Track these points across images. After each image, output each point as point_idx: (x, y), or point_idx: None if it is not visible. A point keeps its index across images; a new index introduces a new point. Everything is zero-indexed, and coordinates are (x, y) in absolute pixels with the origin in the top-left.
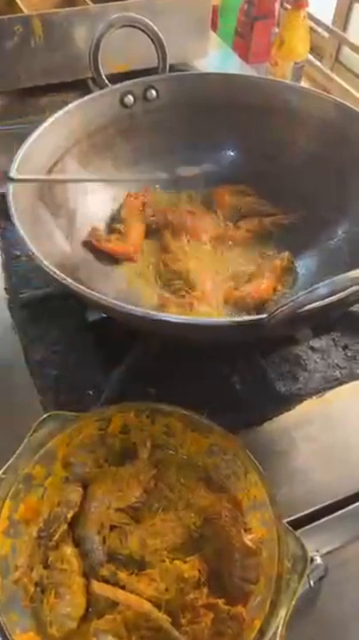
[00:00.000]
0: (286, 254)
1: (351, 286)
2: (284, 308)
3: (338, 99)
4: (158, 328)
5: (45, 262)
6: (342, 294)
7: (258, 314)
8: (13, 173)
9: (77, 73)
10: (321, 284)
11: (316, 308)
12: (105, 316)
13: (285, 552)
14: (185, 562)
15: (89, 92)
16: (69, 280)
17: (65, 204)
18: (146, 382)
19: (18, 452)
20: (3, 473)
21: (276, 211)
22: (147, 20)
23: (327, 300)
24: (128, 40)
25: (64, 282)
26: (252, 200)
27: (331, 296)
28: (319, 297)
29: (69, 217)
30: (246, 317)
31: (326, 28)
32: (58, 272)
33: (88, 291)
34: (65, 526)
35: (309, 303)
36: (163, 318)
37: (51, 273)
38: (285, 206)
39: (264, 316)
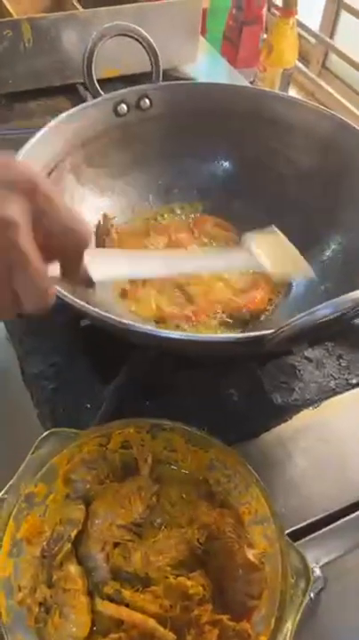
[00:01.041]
0: None
1: (352, 307)
2: (286, 328)
3: (331, 110)
4: (161, 344)
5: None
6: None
7: (253, 324)
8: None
9: (66, 78)
10: (322, 305)
11: (317, 326)
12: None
13: (288, 567)
14: (188, 578)
15: (78, 96)
16: (86, 305)
17: None
18: (142, 395)
19: (19, 471)
20: (5, 493)
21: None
22: (140, 30)
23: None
24: (119, 46)
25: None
26: (229, 236)
27: (331, 316)
28: (320, 318)
29: None
30: (249, 334)
31: (313, 34)
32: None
33: (94, 309)
34: (69, 545)
35: (311, 324)
36: (167, 336)
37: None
38: (278, 216)
39: (266, 332)
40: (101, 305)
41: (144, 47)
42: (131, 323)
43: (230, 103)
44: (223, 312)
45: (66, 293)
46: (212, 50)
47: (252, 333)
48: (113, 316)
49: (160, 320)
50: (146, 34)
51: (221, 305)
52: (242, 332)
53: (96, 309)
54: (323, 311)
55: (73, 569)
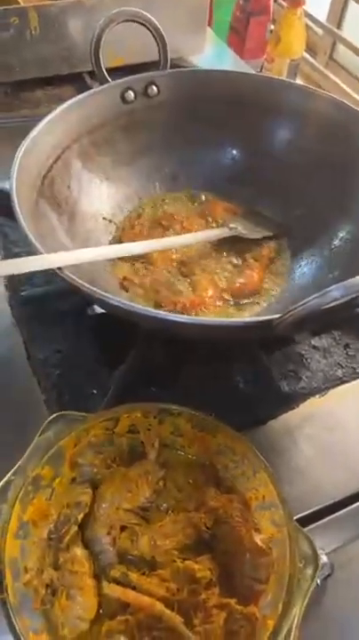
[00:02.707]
0: (272, 245)
1: None
2: (296, 311)
3: (339, 98)
4: (169, 328)
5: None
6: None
7: (258, 304)
8: None
9: (73, 66)
10: (333, 287)
11: (326, 311)
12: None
13: (296, 552)
14: (196, 562)
15: (85, 85)
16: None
17: (66, 200)
18: (148, 381)
19: (27, 453)
20: (13, 475)
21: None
22: (149, 16)
23: (337, 303)
24: (125, 34)
25: (77, 284)
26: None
27: (342, 299)
28: (331, 300)
29: (70, 213)
30: (257, 318)
31: (321, 25)
32: (72, 276)
33: (99, 291)
34: (75, 528)
35: (320, 306)
36: (175, 319)
37: (67, 278)
38: (285, 204)
39: (275, 316)
40: (106, 290)
41: (152, 33)
42: (140, 306)
43: (239, 91)
44: (224, 291)
45: (74, 278)
46: (219, 40)
47: (261, 317)
48: (122, 300)
49: (162, 306)
50: (154, 20)
51: (222, 288)
52: (248, 317)
53: (105, 293)
54: (334, 293)
55: (79, 552)
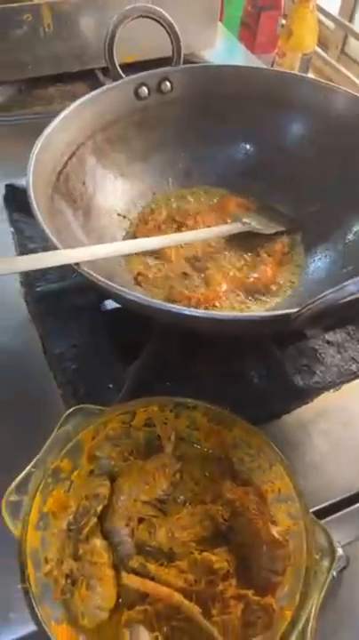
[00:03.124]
0: (285, 240)
1: None
2: (313, 305)
3: (352, 92)
4: (185, 323)
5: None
6: None
7: (269, 298)
8: None
9: (85, 63)
10: (350, 281)
11: (342, 305)
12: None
13: (313, 544)
14: (213, 553)
15: (97, 82)
16: (113, 284)
17: (81, 196)
18: (163, 376)
19: (46, 445)
20: (33, 467)
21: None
22: (162, 12)
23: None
24: (137, 30)
25: (101, 284)
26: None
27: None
28: (348, 294)
29: (85, 209)
30: (274, 312)
31: (332, 18)
32: (89, 271)
33: (118, 287)
34: (94, 519)
35: (337, 301)
36: (192, 314)
37: (84, 273)
38: (299, 200)
39: (293, 310)
40: (120, 285)
41: (166, 29)
42: (155, 300)
43: (252, 86)
44: (238, 287)
45: (92, 273)
46: (230, 35)
47: (279, 311)
48: (138, 294)
49: (176, 301)
50: (168, 16)
51: (236, 283)
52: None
53: (121, 288)
54: (351, 287)
55: (98, 543)
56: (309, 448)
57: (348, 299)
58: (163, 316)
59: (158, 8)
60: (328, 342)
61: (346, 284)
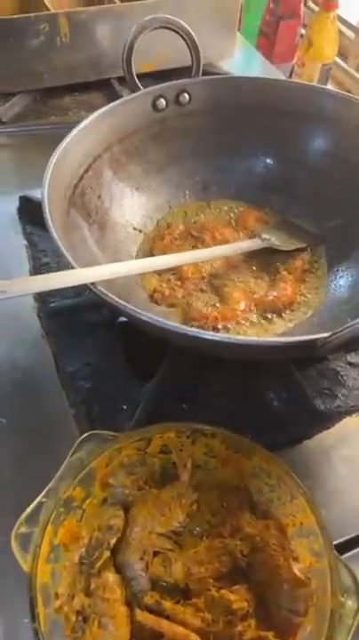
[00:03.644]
0: (305, 256)
1: None
2: (341, 334)
3: None
4: (203, 346)
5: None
6: None
7: (289, 319)
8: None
9: (101, 73)
10: None
11: None
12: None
13: (337, 584)
14: (231, 591)
15: (113, 92)
16: (128, 305)
17: (97, 210)
18: (179, 397)
19: (58, 474)
20: (44, 497)
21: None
22: (182, 22)
23: None
24: (156, 40)
25: (120, 306)
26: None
27: None
28: None
29: (100, 223)
30: (300, 338)
31: (353, 28)
32: (105, 291)
33: (135, 309)
34: (108, 553)
35: None
36: (211, 338)
37: (100, 294)
38: (319, 216)
39: (319, 336)
40: (136, 304)
41: (185, 40)
42: (172, 323)
43: (273, 98)
44: (257, 306)
45: (107, 293)
46: (248, 45)
47: (304, 337)
48: (153, 316)
49: (192, 320)
50: (187, 27)
51: (255, 301)
52: (283, 333)
53: (136, 309)
54: None
55: (111, 577)
56: (330, 475)
57: None
58: (179, 339)
59: (177, 19)
60: (350, 364)
61: None
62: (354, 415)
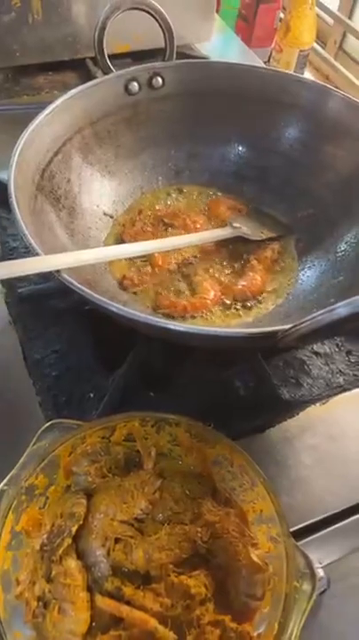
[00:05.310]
0: (276, 246)
1: None
2: (301, 326)
3: (350, 96)
4: (169, 336)
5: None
6: None
7: (256, 308)
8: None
9: (76, 52)
10: (340, 304)
11: (331, 326)
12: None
13: (293, 569)
14: (190, 577)
15: (87, 72)
16: (93, 294)
17: (66, 194)
18: (146, 385)
19: (20, 462)
20: (5, 485)
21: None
22: (154, 3)
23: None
24: (130, 20)
25: (85, 294)
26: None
27: (348, 316)
28: (338, 317)
29: (70, 208)
30: (261, 330)
31: (331, 14)
32: (71, 280)
33: (106, 301)
34: (69, 540)
35: (327, 323)
36: (177, 328)
37: (66, 282)
38: (291, 205)
39: (281, 328)
40: (106, 292)
41: (158, 22)
42: (140, 314)
43: (248, 85)
44: (225, 294)
45: (73, 282)
46: (227, 28)
47: (266, 329)
48: (121, 307)
49: (161, 308)
50: (160, 8)
51: (224, 290)
52: (251, 322)
53: (104, 299)
54: (341, 310)
55: (73, 564)
56: (294, 463)
57: (338, 319)
58: (147, 329)
59: (151, 0)
60: (316, 353)
61: (335, 306)
62: (318, 404)
